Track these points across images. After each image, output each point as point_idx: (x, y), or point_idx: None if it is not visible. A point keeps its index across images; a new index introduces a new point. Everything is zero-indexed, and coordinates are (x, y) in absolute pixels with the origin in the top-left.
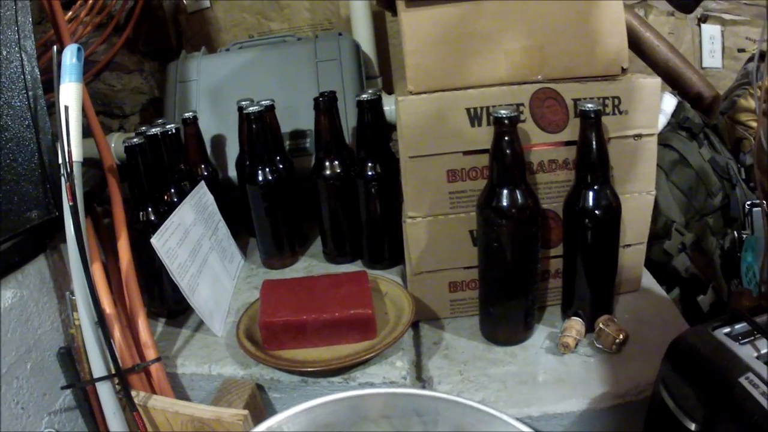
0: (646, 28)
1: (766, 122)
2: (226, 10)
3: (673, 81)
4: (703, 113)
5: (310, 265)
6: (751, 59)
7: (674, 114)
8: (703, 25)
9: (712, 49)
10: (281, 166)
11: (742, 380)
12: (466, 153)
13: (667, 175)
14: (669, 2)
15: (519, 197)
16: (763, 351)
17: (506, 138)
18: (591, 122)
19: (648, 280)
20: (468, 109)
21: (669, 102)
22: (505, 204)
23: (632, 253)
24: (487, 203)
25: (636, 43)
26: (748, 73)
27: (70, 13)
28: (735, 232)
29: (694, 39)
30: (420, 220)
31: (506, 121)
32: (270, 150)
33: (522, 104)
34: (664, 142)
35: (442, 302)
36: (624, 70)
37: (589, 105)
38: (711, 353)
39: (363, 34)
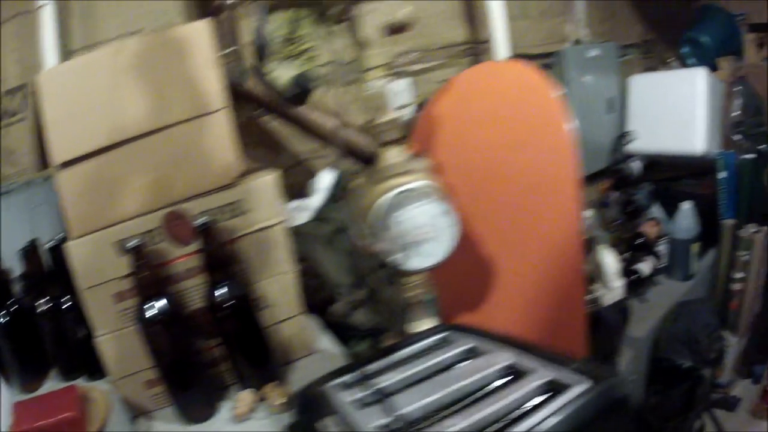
0: (313, 112)
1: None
2: None
3: (348, 150)
4: None
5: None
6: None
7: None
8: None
9: (400, 103)
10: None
11: (320, 425)
12: (125, 276)
13: (328, 246)
14: (286, 99)
15: (159, 307)
16: (357, 396)
17: (138, 262)
18: (205, 233)
19: (325, 342)
20: (115, 243)
21: (327, 178)
22: (148, 315)
23: (292, 326)
24: (138, 316)
25: (306, 130)
26: None
27: None
28: None
29: (382, 98)
30: (106, 337)
31: (132, 250)
32: None
33: (158, 227)
34: (321, 216)
35: (145, 398)
36: (241, 176)
37: (199, 220)
38: (312, 401)
39: None
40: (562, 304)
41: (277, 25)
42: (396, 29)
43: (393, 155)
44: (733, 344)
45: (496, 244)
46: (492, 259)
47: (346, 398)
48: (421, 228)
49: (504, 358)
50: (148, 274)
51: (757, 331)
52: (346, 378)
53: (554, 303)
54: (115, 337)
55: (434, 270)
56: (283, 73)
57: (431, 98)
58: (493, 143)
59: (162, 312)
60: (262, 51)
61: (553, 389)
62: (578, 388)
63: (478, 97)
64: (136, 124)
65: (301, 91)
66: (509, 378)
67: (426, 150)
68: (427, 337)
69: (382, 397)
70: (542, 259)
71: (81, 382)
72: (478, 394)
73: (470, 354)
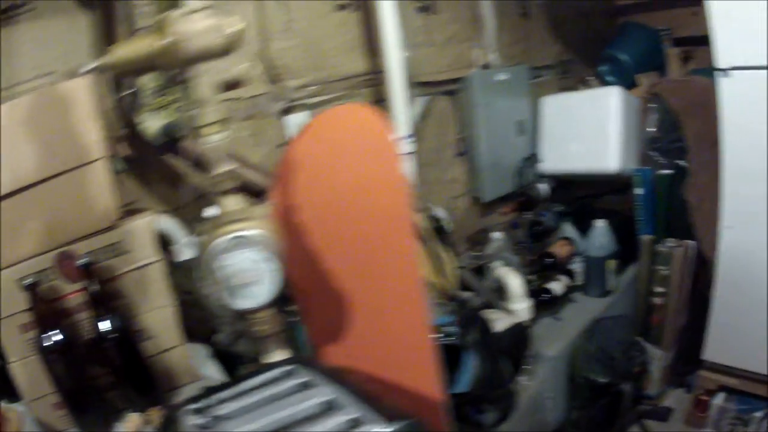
0: None
1: None
2: None
3: (254, 191)
4: None
5: None
6: None
7: None
8: (288, 116)
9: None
10: None
11: None
12: (26, 310)
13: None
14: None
15: (54, 338)
16: (199, 421)
17: (34, 297)
18: (87, 271)
19: (210, 369)
20: (17, 279)
21: (214, 214)
22: (45, 345)
23: (174, 355)
24: (37, 346)
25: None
26: None
27: None
28: None
29: (281, 131)
30: (17, 363)
31: (29, 287)
32: None
33: (52, 267)
34: None
35: (54, 418)
36: (121, 218)
37: (81, 260)
38: (167, 424)
39: None
40: (408, 338)
41: (148, 77)
42: (230, 86)
43: (231, 203)
44: (659, 357)
45: (354, 281)
46: (352, 295)
47: (191, 422)
48: (245, 272)
49: (326, 393)
50: (44, 308)
51: (684, 343)
52: (198, 404)
53: (402, 337)
54: (24, 364)
55: (298, 304)
56: (153, 123)
57: (291, 139)
58: (342, 185)
59: (57, 342)
60: (132, 102)
61: (353, 427)
62: (374, 427)
63: (329, 139)
64: (29, 173)
65: (169, 139)
66: (323, 413)
67: (285, 190)
68: (273, 369)
69: (216, 423)
70: (389, 295)
71: (3, 404)
72: (291, 426)
73: (301, 387)
